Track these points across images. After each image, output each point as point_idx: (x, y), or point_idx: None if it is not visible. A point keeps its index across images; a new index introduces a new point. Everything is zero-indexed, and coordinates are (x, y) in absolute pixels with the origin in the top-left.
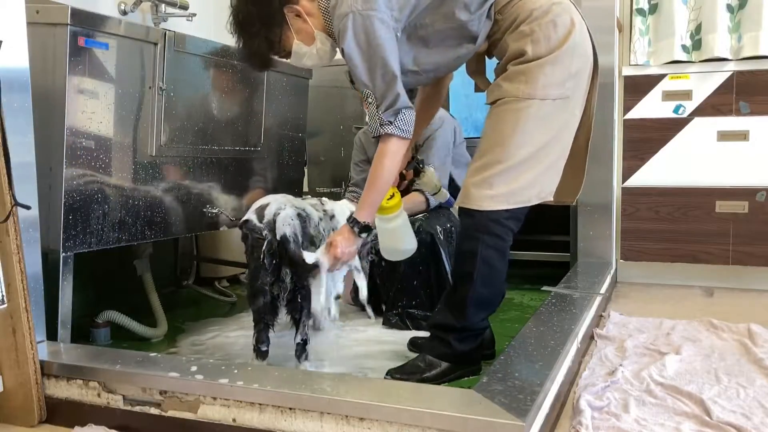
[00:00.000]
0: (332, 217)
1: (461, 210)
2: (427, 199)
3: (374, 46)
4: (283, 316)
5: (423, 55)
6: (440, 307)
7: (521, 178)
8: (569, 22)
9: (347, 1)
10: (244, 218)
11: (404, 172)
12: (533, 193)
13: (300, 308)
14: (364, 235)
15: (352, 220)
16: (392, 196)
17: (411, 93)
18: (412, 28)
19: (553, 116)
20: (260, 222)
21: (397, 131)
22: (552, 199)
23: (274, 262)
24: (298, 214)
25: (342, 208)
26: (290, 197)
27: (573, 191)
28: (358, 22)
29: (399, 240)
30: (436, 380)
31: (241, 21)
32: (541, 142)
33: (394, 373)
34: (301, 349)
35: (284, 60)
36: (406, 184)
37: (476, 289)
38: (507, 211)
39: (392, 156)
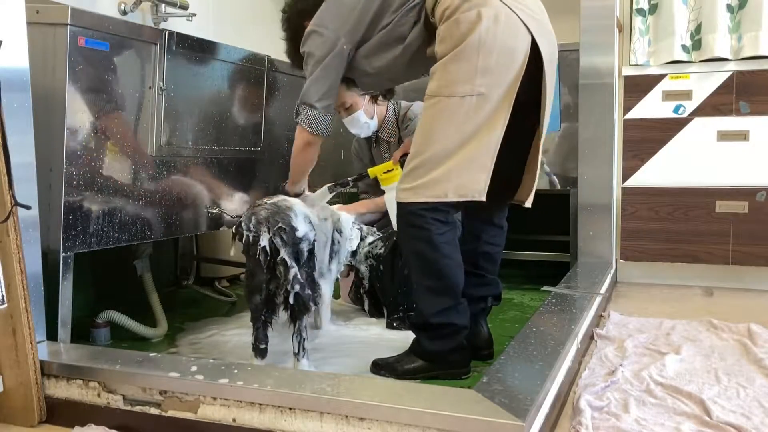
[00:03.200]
0: (325, 219)
1: None
2: None
3: (309, 53)
4: (282, 315)
5: (374, 61)
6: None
7: (434, 171)
8: (474, 17)
9: (313, 20)
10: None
11: (394, 164)
12: (449, 188)
13: (298, 306)
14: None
15: (282, 189)
16: (390, 171)
17: (390, 93)
18: (363, 41)
19: (467, 113)
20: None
21: (303, 124)
22: (483, 198)
23: (268, 259)
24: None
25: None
26: (286, 198)
27: (526, 192)
28: (308, 36)
29: (394, 209)
30: (408, 375)
31: (282, 20)
32: (455, 138)
33: (375, 364)
34: (298, 348)
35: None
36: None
37: (416, 281)
38: (425, 203)
39: (297, 145)
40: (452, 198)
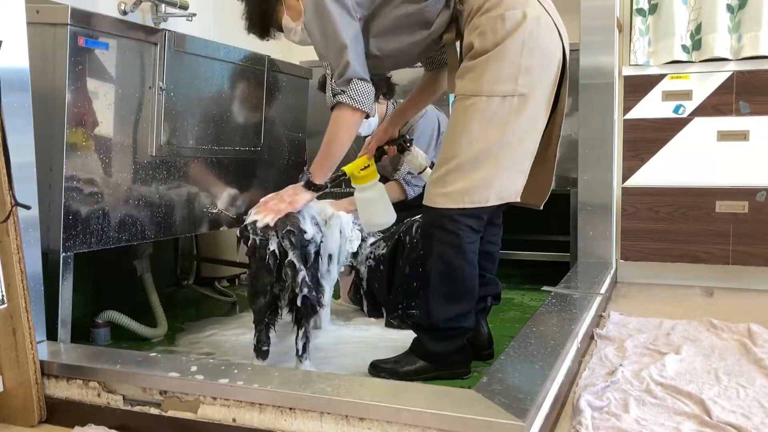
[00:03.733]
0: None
1: (423, 208)
2: (405, 190)
3: (327, 19)
4: (284, 316)
5: (383, 42)
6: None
7: (475, 176)
8: (520, 15)
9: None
10: (247, 221)
11: (385, 147)
12: (491, 193)
13: (305, 309)
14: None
15: (307, 181)
16: (366, 167)
17: (390, 92)
18: (373, 15)
19: (507, 114)
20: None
21: (349, 100)
22: (519, 200)
23: (276, 261)
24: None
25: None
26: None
27: (541, 195)
28: (321, 2)
29: (373, 211)
30: (409, 377)
31: None
32: (495, 140)
33: (374, 365)
34: (303, 350)
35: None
36: (387, 159)
37: (435, 286)
38: (462, 209)
39: (344, 125)
40: (493, 203)
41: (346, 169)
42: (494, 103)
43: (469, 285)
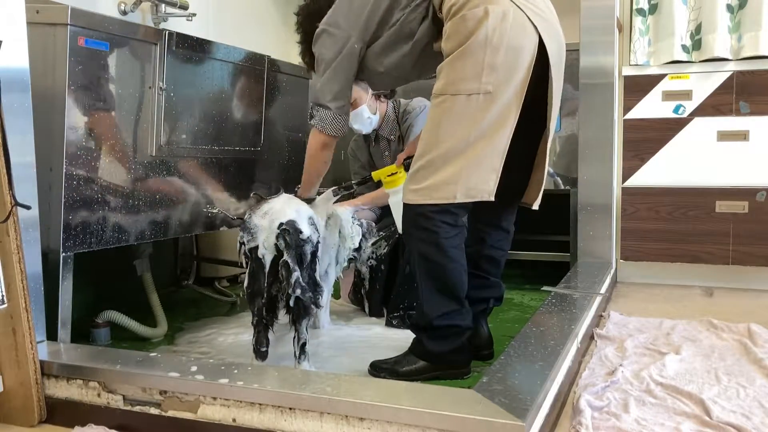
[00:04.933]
0: (329, 218)
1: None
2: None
3: (320, 48)
4: (282, 317)
5: (384, 59)
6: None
7: (442, 172)
8: (481, 12)
9: (325, 19)
10: (245, 222)
11: (397, 167)
12: (458, 189)
13: (298, 309)
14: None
15: (296, 194)
16: (394, 173)
17: (392, 92)
18: (374, 38)
19: (473, 112)
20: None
21: (317, 123)
22: (492, 198)
23: (271, 260)
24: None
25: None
26: (291, 197)
27: (532, 194)
28: (319, 35)
29: (399, 213)
30: (409, 377)
31: (296, 23)
32: (462, 137)
33: (374, 366)
34: (300, 351)
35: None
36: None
37: (422, 285)
38: (434, 205)
39: (313, 146)
40: (461, 199)
41: (374, 174)
42: (460, 102)
43: (453, 281)
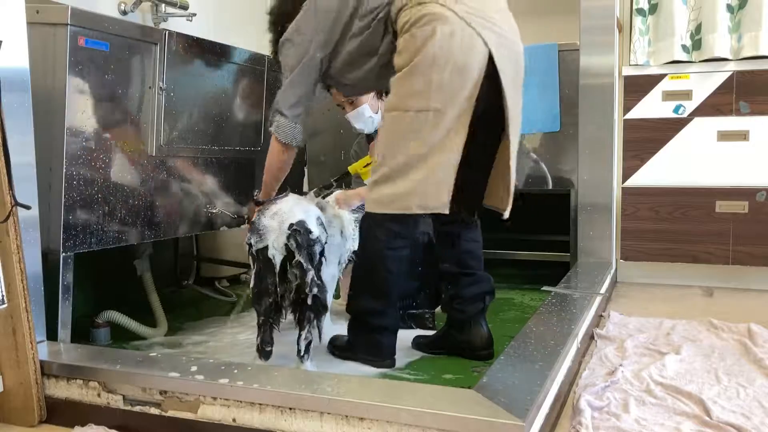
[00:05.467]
0: (334, 217)
1: None
2: None
3: (284, 57)
4: (288, 316)
5: (348, 72)
6: None
7: (399, 185)
8: (429, 32)
9: (290, 27)
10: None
11: (371, 157)
12: (414, 202)
13: (317, 308)
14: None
15: (254, 198)
16: (369, 164)
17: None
18: (336, 53)
19: (424, 128)
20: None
21: (274, 130)
22: (446, 211)
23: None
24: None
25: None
26: (298, 197)
27: (504, 202)
28: (283, 42)
29: None
30: (339, 353)
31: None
32: (415, 152)
33: (331, 340)
34: (305, 350)
35: None
36: None
37: (358, 279)
38: (386, 215)
39: (271, 152)
40: (417, 211)
41: (350, 168)
42: (410, 118)
43: (386, 288)
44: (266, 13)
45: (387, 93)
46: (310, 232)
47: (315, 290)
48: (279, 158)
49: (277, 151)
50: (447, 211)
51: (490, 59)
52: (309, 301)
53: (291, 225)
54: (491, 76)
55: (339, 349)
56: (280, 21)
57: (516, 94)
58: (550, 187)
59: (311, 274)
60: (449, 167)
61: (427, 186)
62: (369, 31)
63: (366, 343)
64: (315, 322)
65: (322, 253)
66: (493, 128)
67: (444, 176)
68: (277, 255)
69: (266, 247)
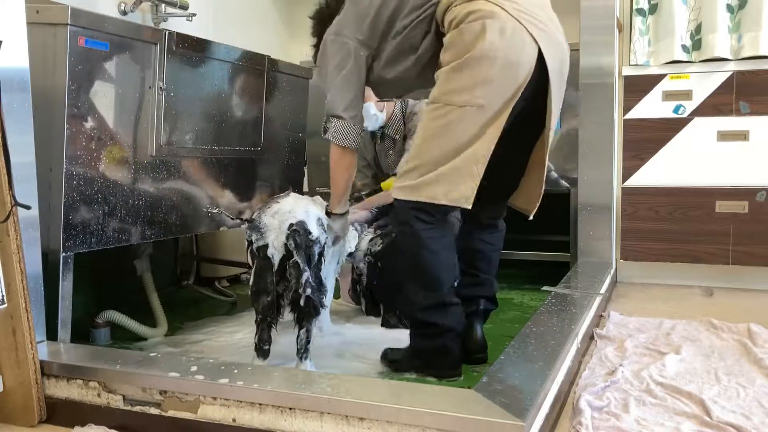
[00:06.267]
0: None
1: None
2: None
3: (326, 61)
4: (286, 315)
5: (389, 71)
6: None
7: (428, 175)
8: (479, 28)
9: (330, 28)
10: (251, 218)
11: None
12: (440, 192)
13: (309, 308)
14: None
15: (330, 213)
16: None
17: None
18: (379, 49)
19: (462, 122)
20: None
21: (332, 137)
22: (469, 206)
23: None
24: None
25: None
26: (299, 197)
27: (529, 202)
28: (326, 43)
29: None
30: (396, 366)
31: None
32: (449, 145)
33: (385, 354)
34: (304, 349)
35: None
36: None
37: (403, 278)
38: (415, 202)
39: (334, 160)
40: (443, 201)
41: (383, 185)
42: (452, 112)
43: (434, 273)
44: (309, 17)
45: (398, 95)
46: (310, 232)
47: (309, 291)
48: (341, 163)
49: (337, 156)
50: (469, 207)
51: (539, 56)
52: (302, 302)
53: (291, 225)
54: (537, 74)
55: (395, 362)
56: (323, 24)
57: (559, 93)
58: (566, 187)
59: (307, 274)
60: (479, 163)
61: (453, 178)
62: (410, 29)
63: (431, 352)
64: (303, 323)
65: (321, 254)
66: (528, 127)
67: (471, 171)
68: (276, 254)
69: (266, 245)
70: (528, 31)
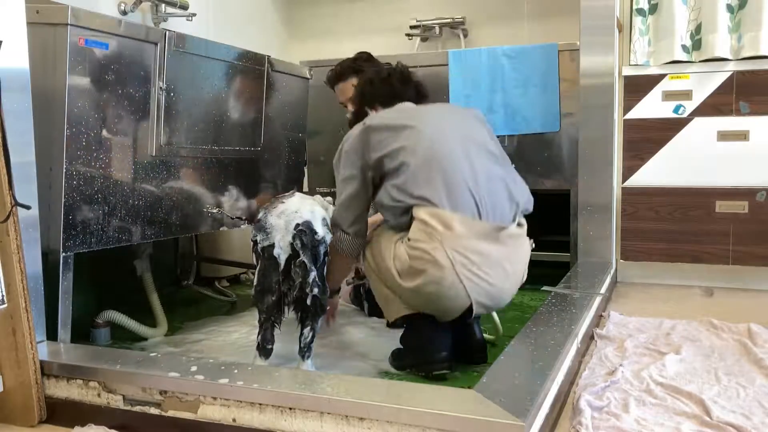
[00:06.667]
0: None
1: None
2: None
3: (338, 170)
4: (289, 315)
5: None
6: None
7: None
8: (423, 267)
9: (341, 145)
10: (257, 218)
11: None
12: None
13: (315, 308)
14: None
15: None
16: None
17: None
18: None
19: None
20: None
21: (336, 246)
22: None
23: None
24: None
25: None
26: (304, 197)
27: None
28: (341, 152)
29: None
30: (396, 364)
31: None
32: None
33: (393, 354)
34: (306, 348)
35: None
36: None
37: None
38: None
39: (334, 262)
40: None
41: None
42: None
43: None
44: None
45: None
46: (316, 232)
47: (315, 290)
48: (341, 265)
49: (338, 259)
50: None
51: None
52: (308, 301)
53: (297, 225)
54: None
55: (396, 359)
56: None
57: None
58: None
59: (313, 274)
60: None
61: None
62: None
63: (415, 342)
64: (306, 322)
65: (326, 254)
66: None
67: None
68: (282, 254)
69: (272, 245)
70: (465, 287)
